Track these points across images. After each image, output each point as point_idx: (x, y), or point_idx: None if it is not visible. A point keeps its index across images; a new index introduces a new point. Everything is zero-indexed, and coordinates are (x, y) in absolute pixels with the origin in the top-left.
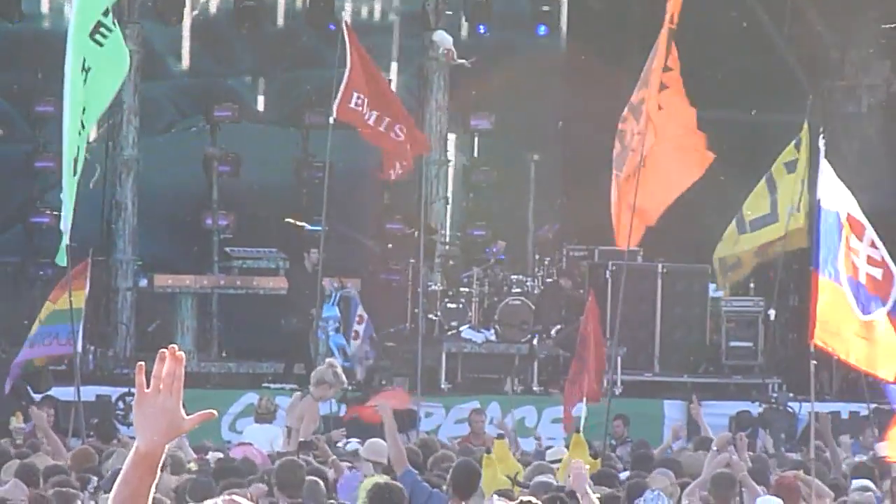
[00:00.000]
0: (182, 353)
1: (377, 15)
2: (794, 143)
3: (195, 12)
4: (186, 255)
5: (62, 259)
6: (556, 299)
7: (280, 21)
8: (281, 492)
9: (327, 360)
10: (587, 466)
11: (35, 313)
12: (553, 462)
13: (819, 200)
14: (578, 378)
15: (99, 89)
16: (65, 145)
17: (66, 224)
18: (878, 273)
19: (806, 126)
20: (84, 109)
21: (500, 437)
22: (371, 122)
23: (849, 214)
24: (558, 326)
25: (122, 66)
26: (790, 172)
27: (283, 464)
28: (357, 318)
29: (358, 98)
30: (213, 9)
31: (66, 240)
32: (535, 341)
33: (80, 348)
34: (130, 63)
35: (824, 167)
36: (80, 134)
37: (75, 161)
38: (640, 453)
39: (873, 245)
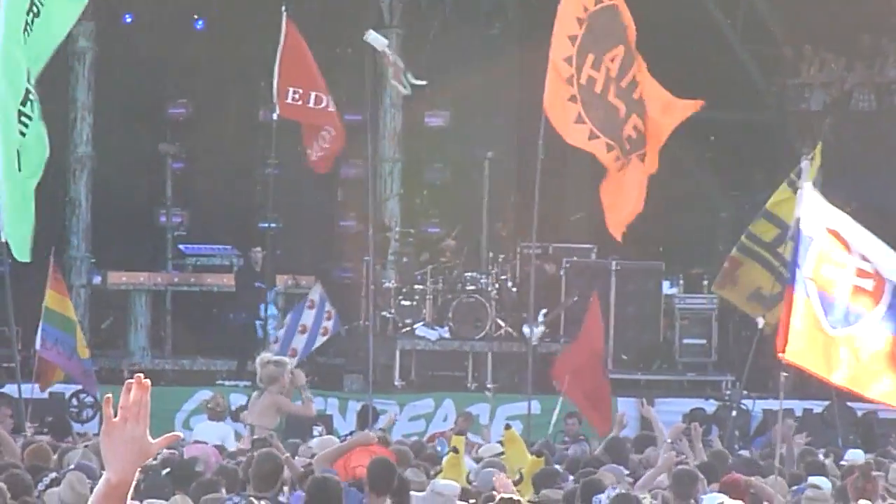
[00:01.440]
0: (148, 381)
1: (328, 11)
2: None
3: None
4: (140, 253)
5: (23, 255)
6: (539, 285)
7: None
8: (256, 485)
9: (266, 356)
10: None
11: None
12: (494, 457)
13: (798, 220)
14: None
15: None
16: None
17: (2, 223)
18: (868, 284)
19: (819, 145)
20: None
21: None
22: (312, 104)
23: (829, 229)
24: (544, 311)
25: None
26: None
27: (258, 456)
28: (325, 314)
29: (294, 92)
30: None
31: (23, 233)
32: (525, 328)
33: (38, 346)
34: (84, 60)
35: (806, 188)
36: (23, 130)
37: (18, 155)
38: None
39: (865, 258)
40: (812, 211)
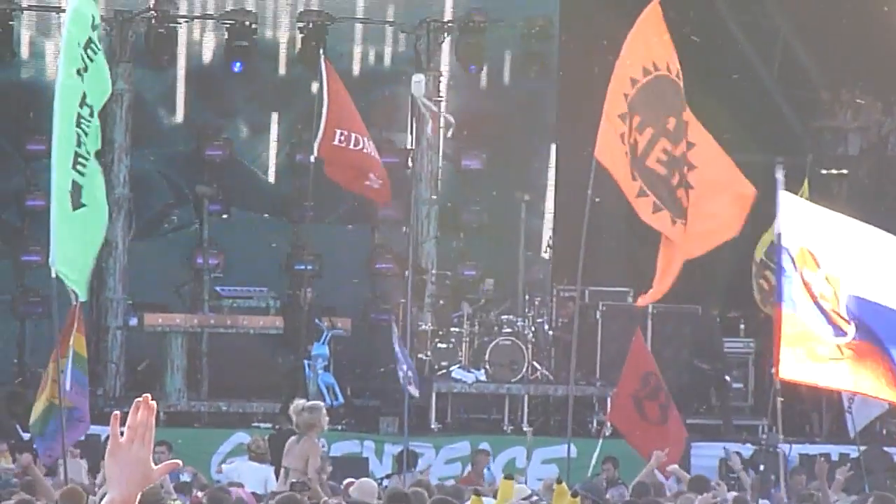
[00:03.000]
0: (154, 403)
1: (371, 56)
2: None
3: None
4: (177, 294)
5: (82, 293)
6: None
7: (275, 63)
8: None
9: (300, 403)
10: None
11: (24, 350)
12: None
13: (779, 236)
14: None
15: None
16: (54, 179)
17: (53, 257)
18: (828, 306)
19: (806, 184)
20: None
21: (507, 477)
22: (357, 146)
23: (802, 248)
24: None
25: (106, 86)
26: None
27: (281, 500)
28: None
29: (342, 134)
30: (205, 51)
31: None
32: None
33: (68, 387)
34: (122, 102)
35: (784, 200)
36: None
37: (71, 194)
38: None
39: (827, 281)
40: (791, 222)
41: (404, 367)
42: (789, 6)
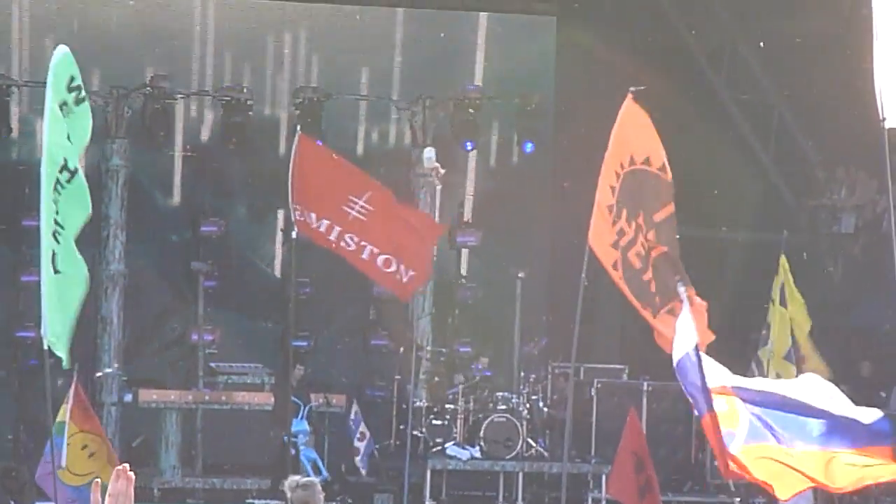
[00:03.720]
0: (132, 474)
1: (363, 133)
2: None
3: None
4: (172, 370)
5: (66, 360)
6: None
7: (274, 140)
8: None
9: (295, 479)
10: None
11: (18, 427)
12: None
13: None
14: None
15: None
16: (42, 246)
17: (45, 328)
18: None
19: (783, 259)
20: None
21: None
22: (324, 231)
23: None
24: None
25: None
26: (782, 304)
27: None
28: (359, 435)
29: (295, 211)
30: (203, 128)
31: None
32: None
33: (62, 463)
34: (117, 178)
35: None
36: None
37: (53, 256)
38: None
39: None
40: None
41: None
42: (785, 86)
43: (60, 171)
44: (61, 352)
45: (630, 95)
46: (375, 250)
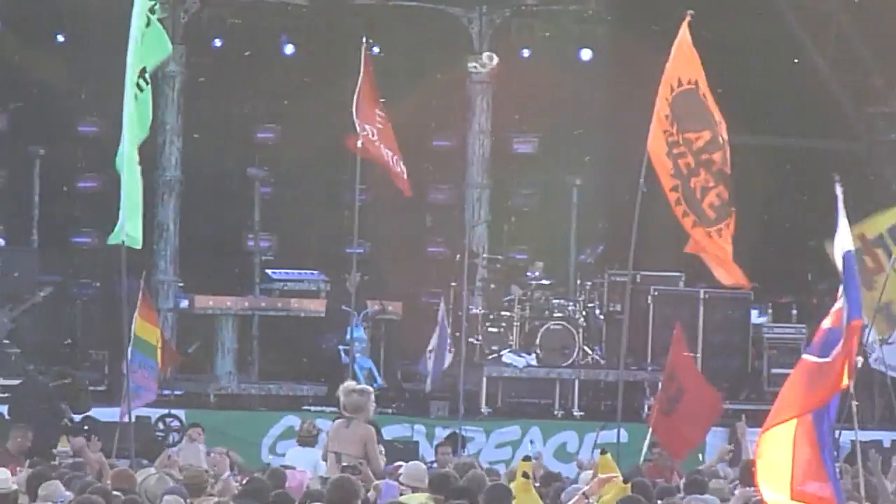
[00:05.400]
0: None
1: (420, 41)
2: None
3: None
4: (227, 277)
5: (136, 241)
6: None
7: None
8: None
9: (350, 385)
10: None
11: (75, 333)
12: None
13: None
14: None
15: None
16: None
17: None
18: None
19: None
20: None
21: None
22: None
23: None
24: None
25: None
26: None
27: (335, 482)
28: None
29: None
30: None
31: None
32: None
33: (123, 369)
34: (174, 84)
35: (842, 217)
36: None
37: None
38: (693, 479)
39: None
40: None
41: (432, 354)
42: None
43: (140, 77)
44: (136, 244)
45: (688, 18)
46: (396, 157)
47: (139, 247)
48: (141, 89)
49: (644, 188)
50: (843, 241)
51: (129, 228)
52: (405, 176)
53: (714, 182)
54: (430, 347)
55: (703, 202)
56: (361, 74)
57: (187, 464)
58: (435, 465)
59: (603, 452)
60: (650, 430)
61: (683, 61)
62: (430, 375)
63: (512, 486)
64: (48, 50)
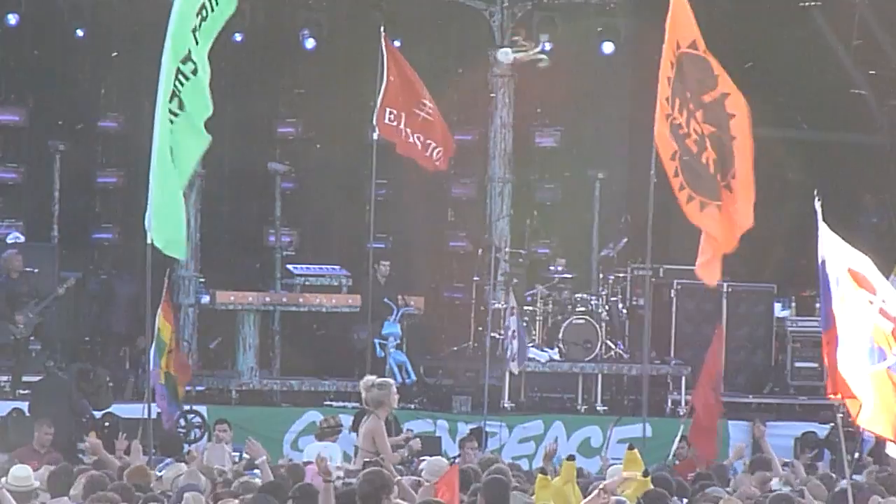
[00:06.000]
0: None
1: (442, 33)
2: None
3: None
4: (249, 272)
5: (181, 252)
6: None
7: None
8: None
9: (370, 379)
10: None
11: (92, 328)
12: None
13: (824, 262)
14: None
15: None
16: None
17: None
18: (887, 327)
19: None
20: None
21: (570, 458)
22: (404, 136)
23: (850, 269)
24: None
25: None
26: None
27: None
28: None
29: (390, 114)
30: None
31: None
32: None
33: (148, 366)
34: None
35: (823, 228)
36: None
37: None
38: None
39: (885, 300)
40: (833, 251)
41: (514, 342)
42: None
43: (183, 62)
44: (177, 252)
45: None
46: (439, 150)
47: (184, 257)
48: (187, 78)
49: (654, 179)
50: (821, 251)
51: (171, 234)
52: (443, 156)
53: (718, 146)
54: (512, 329)
55: (713, 173)
56: (386, 61)
57: (209, 464)
58: (458, 459)
59: (630, 448)
60: (682, 425)
61: (680, 23)
62: (515, 359)
63: (555, 481)
64: (68, 45)
